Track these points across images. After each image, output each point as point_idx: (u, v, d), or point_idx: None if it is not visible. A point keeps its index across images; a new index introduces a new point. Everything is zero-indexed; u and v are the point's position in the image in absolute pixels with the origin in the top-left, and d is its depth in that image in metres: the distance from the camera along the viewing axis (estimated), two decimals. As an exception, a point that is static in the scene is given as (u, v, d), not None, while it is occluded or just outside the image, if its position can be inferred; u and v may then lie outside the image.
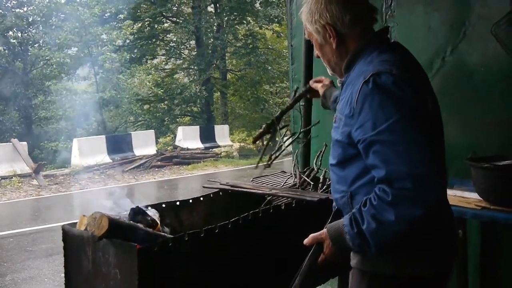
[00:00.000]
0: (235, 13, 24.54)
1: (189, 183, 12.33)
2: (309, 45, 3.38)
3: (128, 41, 23.48)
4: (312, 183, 2.86)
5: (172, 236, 1.96)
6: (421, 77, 1.70)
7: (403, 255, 1.63)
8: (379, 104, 1.53)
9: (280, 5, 22.94)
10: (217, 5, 24.78)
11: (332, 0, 1.71)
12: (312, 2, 1.75)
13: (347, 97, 1.66)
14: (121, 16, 23.25)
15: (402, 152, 1.49)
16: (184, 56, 25.78)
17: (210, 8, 25.41)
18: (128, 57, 21.57)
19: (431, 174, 1.49)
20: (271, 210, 2.35)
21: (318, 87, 2.44)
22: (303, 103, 3.53)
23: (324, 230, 1.73)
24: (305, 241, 1.78)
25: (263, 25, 24.41)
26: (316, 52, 1.88)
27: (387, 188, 1.51)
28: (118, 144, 16.28)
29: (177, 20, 24.26)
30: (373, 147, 1.54)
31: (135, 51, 23.77)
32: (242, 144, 23.43)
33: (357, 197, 1.68)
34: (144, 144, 17.15)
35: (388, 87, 1.54)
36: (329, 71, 1.90)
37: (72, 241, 2.08)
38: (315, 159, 3.10)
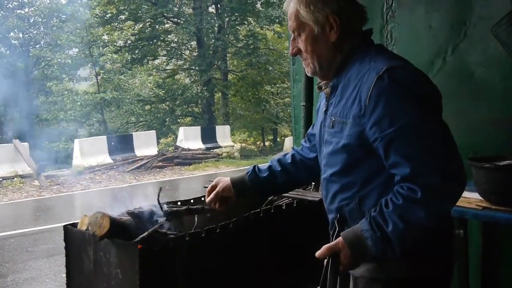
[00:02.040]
0: (236, 14, 24.56)
1: (191, 184, 12.32)
2: None
3: (129, 41, 23.54)
4: (313, 183, 2.86)
5: (173, 236, 1.96)
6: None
7: (414, 258, 1.60)
8: (397, 99, 1.49)
9: (281, 5, 22.92)
10: (218, 5, 24.80)
11: None
12: None
13: (352, 97, 1.59)
14: (122, 16, 23.29)
15: (425, 147, 1.46)
16: (185, 56, 25.81)
17: (211, 9, 25.43)
18: (129, 58, 21.62)
19: (457, 168, 1.47)
20: (272, 210, 2.35)
21: (219, 192, 2.08)
22: (303, 103, 3.53)
23: (340, 238, 1.58)
24: (318, 253, 1.59)
25: (264, 26, 24.42)
26: (297, 47, 1.73)
27: (413, 186, 1.46)
28: (119, 145, 16.29)
29: (178, 20, 24.28)
30: (394, 144, 1.49)
31: (136, 51, 23.81)
32: (243, 144, 23.45)
33: (367, 201, 1.62)
34: (146, 144, 17.16)
35: (406, 81, 1.51)
36: (310, 71, 1.75)
37: (73, 241, 2.08)
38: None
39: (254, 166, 2.11)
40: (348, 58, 1.68)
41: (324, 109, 1.76)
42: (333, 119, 1.67)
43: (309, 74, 1.80)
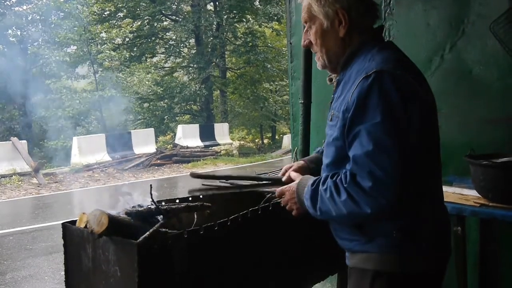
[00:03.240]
0: (234, 11, 24.54)
1: (189, 181, 12.28)
2: (308, 52, 3.33)
3: (127, 39, 23.50)
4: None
5: (172, 233, 1.96)
6: (421, 78, 1.69)
7: (406, 252, 1.64)
8: (370, 102, 1.53)
9: (280, 3, 22.94)
10: (217, 3, 24.78)
11: None
12: None
13: (345, 94, 1.65)
14: (121, 14, 23.24)
15: (372, 154, 1.51)
16: (183, 54, 25.79)
17: (210, 7, 25.41)
18: (127, 56, 21.57)
19: (390, 182, 1.50)
20: (271, 208, 2.35)
21: (293, 175, 2.07)
22: (302, 101, 3.53)
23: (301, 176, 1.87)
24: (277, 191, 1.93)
25: (263, 23, 24.42)
26: (309, 39, 1.80)
27: (349, 177, 1.57)
28: (118, 143, 16.28)
29: (177, 18, 24.26)
30: (354, 141, 1.58)
31: (135, 49, 23.79)
32: (241, 142, 23.45)
33: None
34: (144, 142, 17.16)
35: (386, 87, 1.53)
36: (320, 64, 1.83)
37: (72, 239, 2.08)
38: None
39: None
40: (354, 53, 1.72)
41: (330, 101, 1.83)
42: (332, 112, 1.73)
43: (319, 68, 1.85)
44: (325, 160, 1.79)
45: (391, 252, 1.64)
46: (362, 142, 1.54)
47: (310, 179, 1.77)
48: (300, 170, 2.13)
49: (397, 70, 1.57)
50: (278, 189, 1.91)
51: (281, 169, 2.32)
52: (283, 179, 2.15)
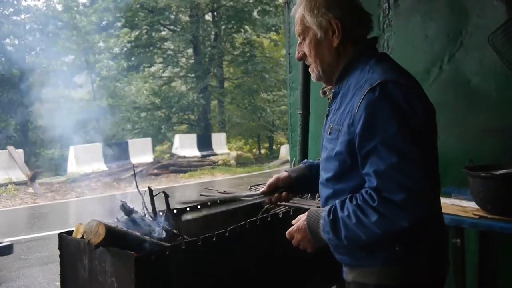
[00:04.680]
0: (232, 22, 24.64)
1: (186, 191, 12.28)
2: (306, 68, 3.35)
3: (125, 49, 23.50)
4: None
5: (169, 244, 1.94)
6: (421, 87, 1.68)
7: (407, 265, 1.62)
8: (382, 114, 1.51)
9: (278, 13, 23.04)
10: (215, 13, 24.88)
11: None
12: None
13: (348, 107, 1.62)
14: (119, 24, 23.29)
15: (396, 166, 1.48)
16: (181, 64, 25.82)
17: (208, 17, 25.50)
18: (125, 65, 21.58)
19: (422, 190, 1.49)
20: (269, 219, 2.34)
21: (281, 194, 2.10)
22: (300, 111, 3.53)
23: (305, 214, 1.73)
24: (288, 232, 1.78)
25: (261, 34, 24.50)
26: (303, 51, 1.78)
27: (375, 195, 1.51)
28: (115, 152, 16.24)
29: (175, 28, 24.33)
30: (369, 156, 1.53)
31: (132, 59, 23.78)
32: (239, 152, 23.43)
33: None
34: (141, 152, 17.12)
35: (394, 97, 1.52)
36: (314, 76, 1.80)
37: (68, 249, 2.06)
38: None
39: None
40: (350, 65, 1.71)
41: (326, 114, 1.81)
42: (331, 125, 1.71)
43: (314, 80, 1.84)
44: (325, 175, 1.75)
45: (393, 265, 1.62)
46: (382, 156, 1.50)
47: (320, 211, 1.68)
48: (280, 181, 2.05)
49: (400, 79, 1.57)
50: (287, 232, 1.79)
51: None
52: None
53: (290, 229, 1.78)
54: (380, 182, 1.51)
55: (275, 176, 2.12)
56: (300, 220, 1.76)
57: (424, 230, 1.60)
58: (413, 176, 1.48)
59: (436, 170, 1.60)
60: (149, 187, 2.11)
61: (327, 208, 1.64)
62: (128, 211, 2.02)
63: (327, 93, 1.86)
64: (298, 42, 1.81)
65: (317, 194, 2.83)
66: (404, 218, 1.48)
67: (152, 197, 2.05)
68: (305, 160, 2.31)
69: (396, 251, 1.60)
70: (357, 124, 1.55)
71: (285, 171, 2.14)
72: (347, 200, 1.59)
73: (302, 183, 2.07)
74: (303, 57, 1.80)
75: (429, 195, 1.53)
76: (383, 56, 1.75)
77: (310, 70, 1.82)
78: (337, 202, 1.62)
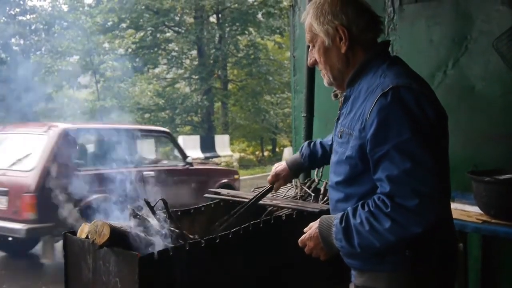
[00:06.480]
0: (237, 24, 24.69)
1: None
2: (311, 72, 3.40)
3: (130, 50, 23.58)
4: (313, 194, 2.86)
5: (173, 245, 1.95)
6: (432, 90, 1.68)
7: (417, 269, 1.63)
8: (394, 119, 1.51)
9: (282, 16, 23.08)
10: (219, 15, 24.94)
11: (349, 2, 1.71)
12: (325, 3, 1.72)
13: (360, 111, 1.62)
14: (124, 25, 23.37)
15: (409, 171, 1.48)
16: (185, 65, 25.88)
17: (212, 19, 25.57)
18: (129, 66, 21.63)
19: (435, 195, 1.49)
20: (272, 221, 2.34)
21: (281, 181, 2.52)
22: (304, 114, 3.53)
23: (316, 221, 1.74)
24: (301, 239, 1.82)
25: (265, 36, 24.54)
26: (314, 57, 1.80)
27: (388, 201, 1.51)
28: (118, 153, 16.23)
29: (179, 30, 24.40)
30: (381, 161, 1.53)
31: (137, 60, 23.85)
32: (242, 154, 23.44)
33: None
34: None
35: (407, 102, 1.52)
36: (326, 81, 1.82)
37: (72, 249, 2.07)
38: (316, 171, 3.10)
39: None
40: (361, 70, 1.71)
41: (337, 117, 1.82)
42: (342, 129, 1.72)
43: (326, 85, 1.85)
44: (335, 178, 1.75)
45: (403, 270, 1.62)
46: (395, 161, 1.50)
47: (332, 218, 1.68)
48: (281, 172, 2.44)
49: (412, 84, 1.57)
50: (299, 240, 1.81)
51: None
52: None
53: (302, 237, 1.79)
54: (393, 187, 1.51)
55: (273, 169, 2.44)
56: (312, 228, 1.76)
57: (434, 234, 1.60)
58: (426, 181, 1.48)
59: (448, 175, 1.59)
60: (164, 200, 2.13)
61: (339, 215, 1.64)
62: (134, 213, 2.03)
63: (339, 96, 1.86)
64: (310, 48, 1.83)
65: (320, 197, 2.84)
66: (417, 224, 1.49)
67: (150, 206, 2.06)
68: (303, 145, 2.48)
69: (406, 256, 1.60)
70: (368, 129, 1.55)
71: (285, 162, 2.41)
72: (359, 206, 1.59)
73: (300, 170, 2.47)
74: (314, 63, 1.82)
75: (442, 201, 1.53)
76: (395, 60, 1.75)
77: (321, 75, 1.83)
78: (349, 209, 1.62)
